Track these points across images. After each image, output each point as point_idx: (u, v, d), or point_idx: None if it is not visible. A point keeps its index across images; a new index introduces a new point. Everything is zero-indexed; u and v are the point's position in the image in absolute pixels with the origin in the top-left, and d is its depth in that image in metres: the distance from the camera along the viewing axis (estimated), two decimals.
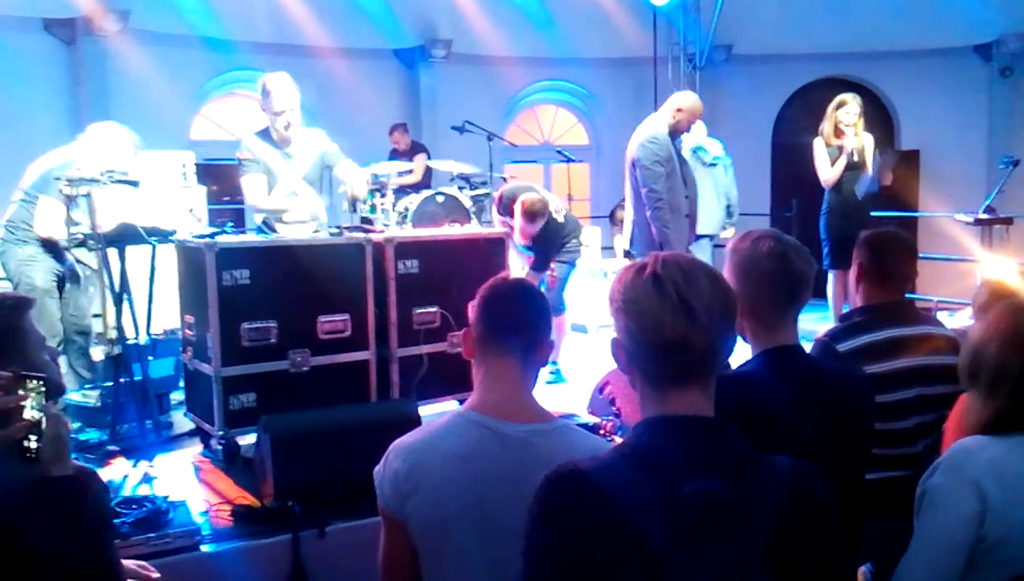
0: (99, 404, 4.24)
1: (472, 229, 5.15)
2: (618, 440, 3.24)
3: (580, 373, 5.41)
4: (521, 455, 1.71)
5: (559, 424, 1.82)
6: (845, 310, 2.92)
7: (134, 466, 3.67)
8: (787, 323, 2.00)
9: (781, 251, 1.96)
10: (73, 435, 4.02)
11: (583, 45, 10.84)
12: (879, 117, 10.50)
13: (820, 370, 2.08)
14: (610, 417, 3.85)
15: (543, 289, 5.36)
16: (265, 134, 4.65)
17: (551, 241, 5.50)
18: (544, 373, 5.24)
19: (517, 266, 5.46)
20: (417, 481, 1.71)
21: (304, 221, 4.29)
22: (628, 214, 5.30)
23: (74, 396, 4.36)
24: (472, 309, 1.90)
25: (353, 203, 4.57)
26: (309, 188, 4.68)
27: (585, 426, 3.56)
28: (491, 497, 1.69)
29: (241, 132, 4.86)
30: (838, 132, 6.03)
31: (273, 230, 4.10)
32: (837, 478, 1.78)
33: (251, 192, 4.60)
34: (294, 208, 4.49)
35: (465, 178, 7.16)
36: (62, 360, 4.65)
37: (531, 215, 5.29)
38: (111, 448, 3.86)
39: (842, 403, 1.96)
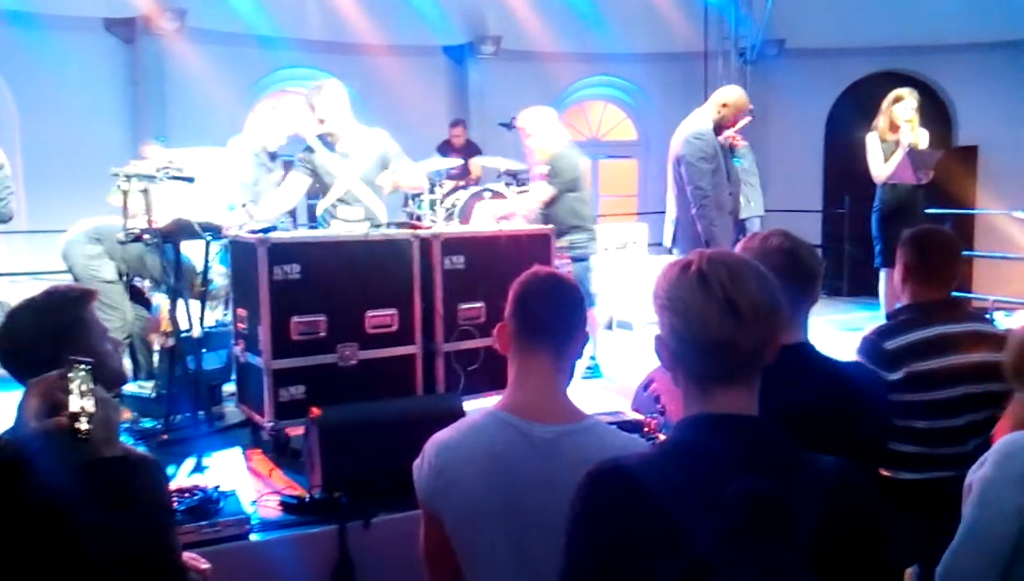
0: (154, 395, 4.35)
1: (519, 226, 5.16)
2: (662, 438, 3.23)
3: (625, 370, 5.39)
4: (549, 455, 1.71)
5: (588, 423, 1.80)
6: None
7: (186, 456, 3.76)
8: (797, 320, 1.99)
9: (790, 247, 1.98)
10: (130, 424, 4.16)
11: (632, 40, 10.77)
12: (936, 112, 10.25)
13: (830, 368, 2.05)
14: (654, 415, 3.83)
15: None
16: (322, 136, 4.74)
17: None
18: (581, 368, 5.24)
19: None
20: (448, 478, 1.73)
21: (355, 221, 4.32)
22: (670, 211, 5.25)
23: (130, 387, 4.47)
24: (507, 304, 1.87)
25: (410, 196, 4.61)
26: (366, 188, 4.73)
27: (630, 424, 3.55)
28: (521, 496, 1.70)
29: (302, 131, 4.95)
30: (894, 127, 5.90)
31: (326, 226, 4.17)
32: None
33: (282, 189, 4.68)
34: (346, 215, 4.54)
35: (512, 175, 7.19)
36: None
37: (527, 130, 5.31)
38: (164, 438, 3.96)
39: (853, 401, 1.95)
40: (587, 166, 5.61)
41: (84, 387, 1.56)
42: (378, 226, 4.52)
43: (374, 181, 4.78)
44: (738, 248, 2.07)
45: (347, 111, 4.71)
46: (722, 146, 5.08)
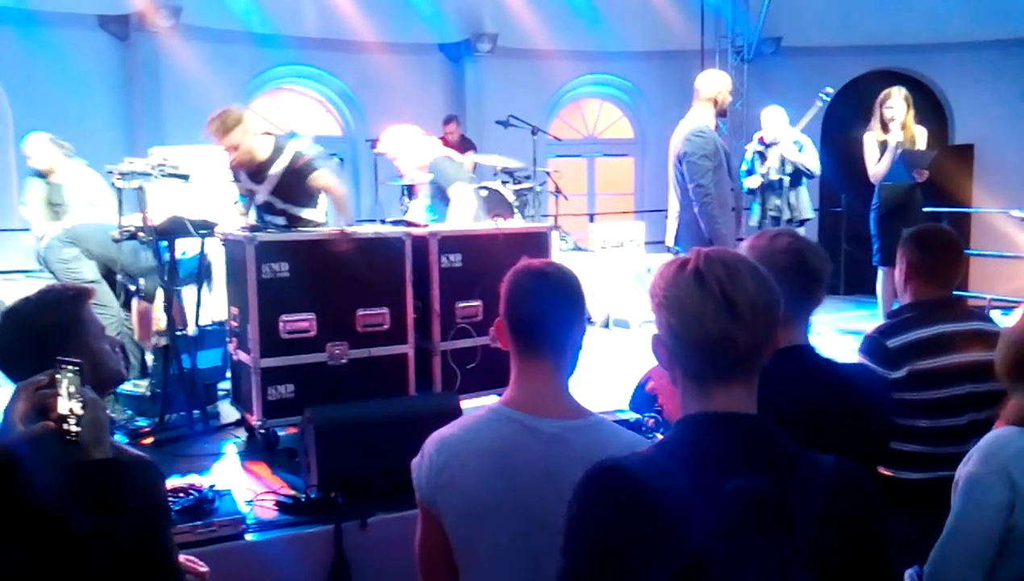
0: (149, 394, 4.33)
1: (515, 223, 5.14)
2: (660, 437, 3.21)
3: (622, 369, 5.37)
4: (554, 450, 1.69)
5: (593, 420, 1.78)
6: (895, 307, 2.91)
7: (180, 455, 3.73)
8: (799, 322, 1.96)
9: (798, 247, 1.95)
10: (124, 423, 4.14)
11: (629, 38, 10.75)
12: (932, 111, 10.24)
13: (831, 371, 2.00)
14: (652, 414, 3.82)
15: None
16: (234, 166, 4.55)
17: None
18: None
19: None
20: (452, 475, 1.71)
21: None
22: (672, 210, 5.22)
23: (125, 385, 4.44)
24: (500, 300, 1.81)
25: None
26: (280, 201, 4.46)
27: (627, 422, 3.53)
28: (524, 492, 1.68)
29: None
30: (886, 126, 5.90)
31: None
32: None
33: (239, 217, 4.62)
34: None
35: (509, 173, 7.17)
36: None
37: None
38: (152, 439, 3.94)
39: (854, 406, 1.91)
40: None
41: (72, 388, 1.53)
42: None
43: (295, 188, 4.43)
44: (745, 245, 2.04)
45: (254, 133, 4.40)
46: (723, 145, 5.05)
